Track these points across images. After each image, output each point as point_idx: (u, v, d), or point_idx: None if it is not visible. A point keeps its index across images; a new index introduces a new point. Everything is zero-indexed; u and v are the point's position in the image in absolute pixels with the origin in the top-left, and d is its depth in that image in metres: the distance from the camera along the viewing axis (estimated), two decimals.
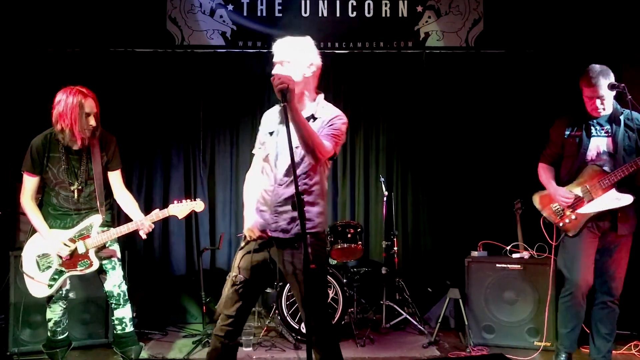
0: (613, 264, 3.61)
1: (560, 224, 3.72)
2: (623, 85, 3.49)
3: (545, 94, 5.57)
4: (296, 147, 2.73)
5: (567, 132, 3.73)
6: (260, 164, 2.96)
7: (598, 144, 3.63)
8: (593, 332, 3.69)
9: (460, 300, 4.51)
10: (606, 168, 3.58)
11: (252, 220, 2.86)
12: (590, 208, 3.59)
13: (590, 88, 3.56)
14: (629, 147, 3.57)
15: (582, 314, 3.72)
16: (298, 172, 2.76)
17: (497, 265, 4.47)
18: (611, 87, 3.54)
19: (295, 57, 2.79)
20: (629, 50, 5.35)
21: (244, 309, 2.88)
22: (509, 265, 4.44)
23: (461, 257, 4.65)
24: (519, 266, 4.42)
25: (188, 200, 3.61)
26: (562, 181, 3.78)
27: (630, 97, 3.47)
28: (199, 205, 3.60)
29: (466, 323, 4.46)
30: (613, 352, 3.86)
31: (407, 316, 5.01)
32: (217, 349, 2.89)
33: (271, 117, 2.97)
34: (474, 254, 4.60)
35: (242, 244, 2.92)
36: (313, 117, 2.82)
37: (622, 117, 3.61)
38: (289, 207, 2.78)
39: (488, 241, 4.66)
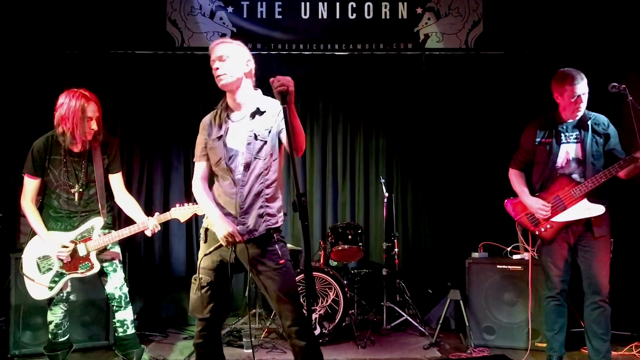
0: (594, 264, 3.63)
1: (537, 232, 3.78)
2: (624, 86, 3.50)
3: (546, 95, 5.54)
4: (248, 144, 2.81)
5: (538, 139, 3.79)
6: (207, 171, 2.96)
7: (567, 150, 3.70)
8: (589, 335, 3.69)
9: (461, 302, 4.51)
10: (575, 176, 3.66)
11: (229, 226, 2.77)
12: (564, 217, 3.66)
13: (574, 87, 3.57)
14: (596, 152, 3.65)
15: (566, 314, 3.76)
16: (259, 167, 2.82)
17: (498, 266, 4.47)
18: (612, 87, 3.55)
19: (235, 54, 2.85)
20: (630, 52, 5.35)
21: (217, 309, 2.87)
22: (509, 267, 4.45)
23: (462, 258, 4.65)
24: (520, 267, 4.42)
25: (190, 204, 3.61)
26: (533, 188, 3.84)
27: (631, 98, 3.47)
28: (200, 209, 3.59)
29: (467, 324, 4.46)
30: (613, 353, 3.86)
31: (408, 317, 5.01)
32: (202, 356, 2.92)
33: (211, 123, 2.94)
34: (475, 255, 4.61)
35: (202, 245, 2.91)
36: (259, 111, 2.86)
37: (589, 122, 3.67)
38: (255, 207, 2.81)
39: (488, 242, 4.66)
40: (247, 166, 2.81)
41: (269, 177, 2.85)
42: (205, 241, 2.91)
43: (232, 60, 2.83)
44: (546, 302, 3.80)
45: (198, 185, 2.95)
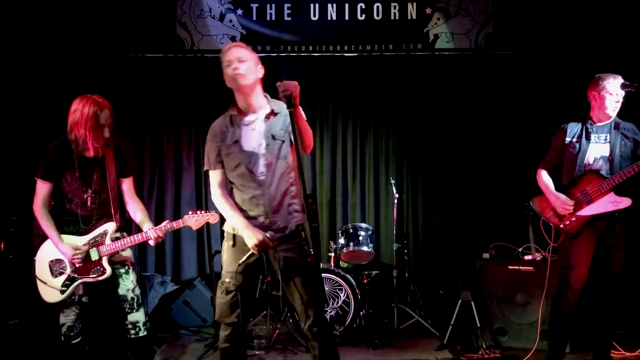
0: (612, 262, 3.66)
1: (561, 226, 3.77)
2: (636, 84, 3.50)
3: (556, 96, 5.53)
4: (267, 145, 2.87)
5: (568, 139, 3.81)
6: (223, 178, 2.99)
7: (596, 149, 3.71)
8: None
9: (472, 303, 4.49)
10: (603, 172, 3.67)
11: (259, 234, 2.81)
12: (589, 211, 3.66)
13: (614, 87, 3.61)
14: (624, 153, 3.67)
15: (573, 314, 3.73)
16: (282, 166, 2.89)
17: (509, 267, 4.45)
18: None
19: (251, 57, 2.93)
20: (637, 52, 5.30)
21: (244, 313, 2.90)
22: (520, 267, 4.43)
23: (473, 259, 4.64)
24: (531, 268, 4.40)
25: (202, 212, 3.61)
26: (563, 186, 3.85)
27: None
28: (213, 217, 3.57)
29: (478, 325, 4.44)
30: (626, 353, 3.83)
31: (419, 319, 4.99)
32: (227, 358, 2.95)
33: (222, 129, 2.97)
34: (486, 255, 4.59)
35: (229, 249, 2.94)
36: (273, 113, 2.93)
37: (620, 127, 3.70)
38: (283, 204, 2.89)
39: (499, 243, 4.65)
40: (269, 167, 2.87)
41: (292, 175, 2.93)
42: (234, 245, 2.94)
43: (250, 63, 2.89)
44: (556, 299, 3.78)
45: (218, 193, 2.98)
